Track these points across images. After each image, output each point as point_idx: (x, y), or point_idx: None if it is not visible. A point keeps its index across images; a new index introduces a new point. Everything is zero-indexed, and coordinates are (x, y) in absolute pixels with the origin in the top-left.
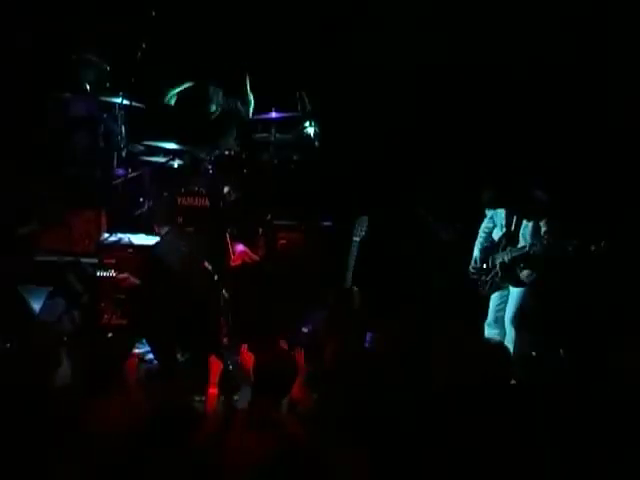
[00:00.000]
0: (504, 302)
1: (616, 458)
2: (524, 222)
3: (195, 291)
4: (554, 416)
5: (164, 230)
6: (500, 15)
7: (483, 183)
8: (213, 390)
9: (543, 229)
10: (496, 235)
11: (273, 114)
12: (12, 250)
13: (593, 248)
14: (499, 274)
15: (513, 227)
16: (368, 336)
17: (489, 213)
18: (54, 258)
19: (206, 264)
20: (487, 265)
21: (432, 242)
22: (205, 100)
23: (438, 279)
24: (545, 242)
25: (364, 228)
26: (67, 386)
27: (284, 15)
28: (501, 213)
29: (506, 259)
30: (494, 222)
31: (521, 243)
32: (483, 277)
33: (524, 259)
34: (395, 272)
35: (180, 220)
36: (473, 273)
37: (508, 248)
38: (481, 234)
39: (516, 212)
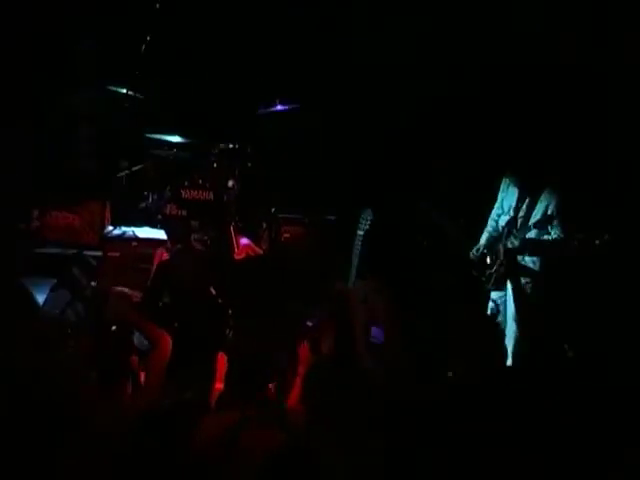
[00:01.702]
0: (504, 294)
1: (617, 455)
2: (536, 207)
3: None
4: (557, 411)
5: (176, 248)
6: (500, 13)
7: (485, 180)
8: (219, 385)
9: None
10: (502, 222)
11: (277, 107)
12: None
13: (597, 242)
14: (503, 264)
15: (524, 212)
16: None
17: (500, 197)
18: (58, 250)
19: (212, 289)
20: (491, 258)
21: (436, 237)
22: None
23: (442, 275)
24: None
25: (368, 221)
26: (72, 381)
27: (289, 7)
28: (512, 196)
29: (512, 243)
30: (503, 208)
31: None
32: (487, 270)
33: (534, 244)
34: (399, 266)
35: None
36: (473, 261)
37: (514, 232)
38: (490, 222)
39: (529, 193)
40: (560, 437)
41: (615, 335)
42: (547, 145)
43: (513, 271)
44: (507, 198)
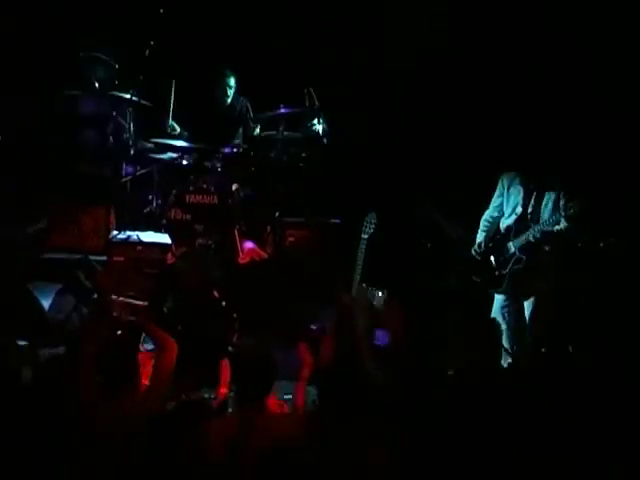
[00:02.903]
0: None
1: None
2: (545, 198)
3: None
4: (562, 413)
5: (181, 252)
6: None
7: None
8: (224, 389)
9: (562, 205)
10: (504, 224)
11: (281, 110)
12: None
13: (602, 244)
14: (522, 260)
15: (531, 209)
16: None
17: (497, 201)
18: (63, 256)
19: (215, 293)
20: (500, 257)
21: (441, 239)
22: (222, 88)
23: (447, 277)
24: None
25: (373, 225)
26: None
27: (291, 11)
28: (516, 195)
29: (534, 236)
30: (502, 210)
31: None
32: (496, 272)
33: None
34: (404, 270)
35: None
36: (474, 264)
37: (532, 226)
38: (485, 223)
39: (536, 188)
40: (564, 437)
41: (623, 335)
42: (550, 142)
43: (535, 266)
44: (510, 198)
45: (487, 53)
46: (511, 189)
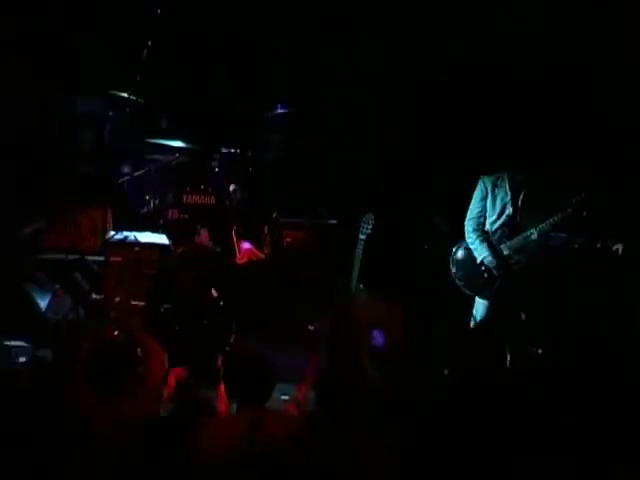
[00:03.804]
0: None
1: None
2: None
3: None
4: (562, 413)
5: (179, 250)
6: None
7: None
8: (221, 387)
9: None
10: (493, 226)
11: (278, 110)
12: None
13: (599, 246)
14: (521, 261)
15: (521, 209)
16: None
17: (479, 205)
18: (60, 256)
19: (213, 292)
20: (496, 259)
21: (440, 240)
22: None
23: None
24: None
25: (370, 225)
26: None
27: (288, 13)
28: (502, 198)
29: (529, 237)
30: (484, 214)
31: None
32: (485, 275)
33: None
34: (402, 270)
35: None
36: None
37: (528, 227)
38: (477, 233)
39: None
40: (564, 437)
41: (622, 335)
42: (547, 141)
43: (531, 266)
44: (497, 199)
45: (485, 54)
46: (496, 190)
